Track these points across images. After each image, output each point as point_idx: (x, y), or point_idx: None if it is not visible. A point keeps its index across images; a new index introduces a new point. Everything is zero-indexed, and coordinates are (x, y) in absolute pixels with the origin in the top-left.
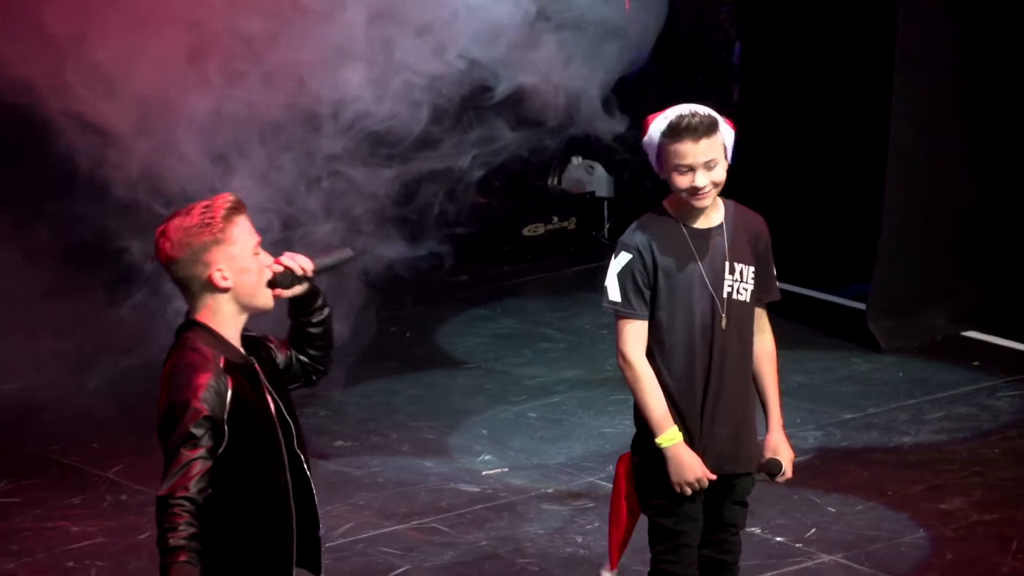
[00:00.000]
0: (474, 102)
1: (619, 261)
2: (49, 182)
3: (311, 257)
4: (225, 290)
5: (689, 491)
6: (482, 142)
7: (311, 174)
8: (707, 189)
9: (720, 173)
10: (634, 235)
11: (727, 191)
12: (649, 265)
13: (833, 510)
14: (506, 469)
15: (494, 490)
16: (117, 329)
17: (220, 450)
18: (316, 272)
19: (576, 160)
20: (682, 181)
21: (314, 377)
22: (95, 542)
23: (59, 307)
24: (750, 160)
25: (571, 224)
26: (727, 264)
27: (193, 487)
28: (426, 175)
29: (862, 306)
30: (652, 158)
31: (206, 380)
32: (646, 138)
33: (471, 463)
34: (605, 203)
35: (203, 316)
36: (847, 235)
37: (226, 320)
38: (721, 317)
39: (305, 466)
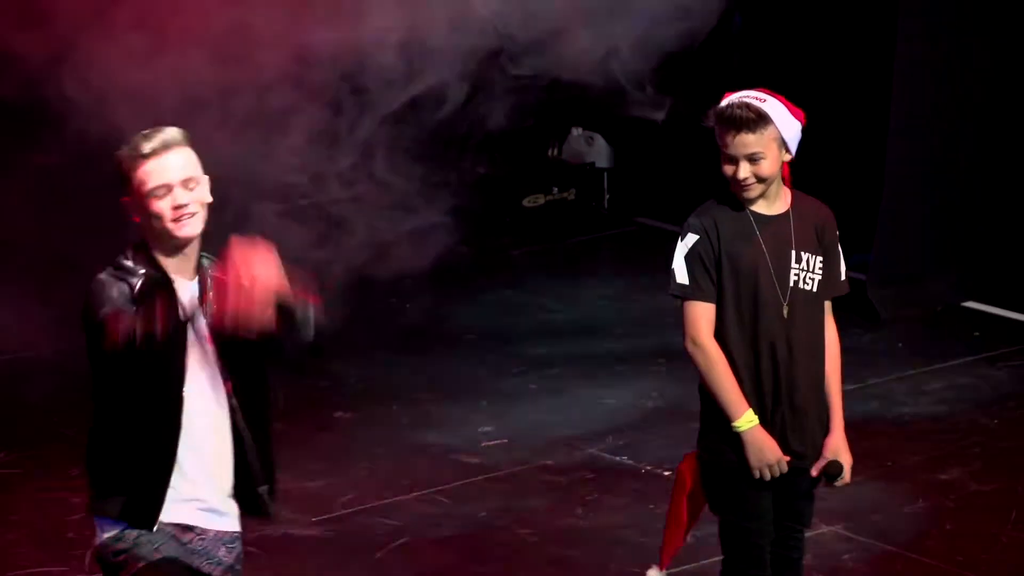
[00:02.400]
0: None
1: (686, 243)
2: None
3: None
4: (137, 220)
5: (768, 475)
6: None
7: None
8: (749, 182)
9: (766, 167)
10: (701, 217)
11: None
12: (716, 247)
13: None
14: (506, 441)
15: (494, 461)
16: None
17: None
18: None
19: (576, 131)
20: (725, 169)
21: (279, 351)
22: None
23: (65, 276)
24: None
25: (571, 195)
26: (793, 252)
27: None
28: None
29: (862, 276)
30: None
31: (114, 291)
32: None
33: (471, 434)
34: (605, 174)
35: (140, 234)
36: (848, 205)
37: (155, 243)
38: (784, 305)
39: (240, 417)
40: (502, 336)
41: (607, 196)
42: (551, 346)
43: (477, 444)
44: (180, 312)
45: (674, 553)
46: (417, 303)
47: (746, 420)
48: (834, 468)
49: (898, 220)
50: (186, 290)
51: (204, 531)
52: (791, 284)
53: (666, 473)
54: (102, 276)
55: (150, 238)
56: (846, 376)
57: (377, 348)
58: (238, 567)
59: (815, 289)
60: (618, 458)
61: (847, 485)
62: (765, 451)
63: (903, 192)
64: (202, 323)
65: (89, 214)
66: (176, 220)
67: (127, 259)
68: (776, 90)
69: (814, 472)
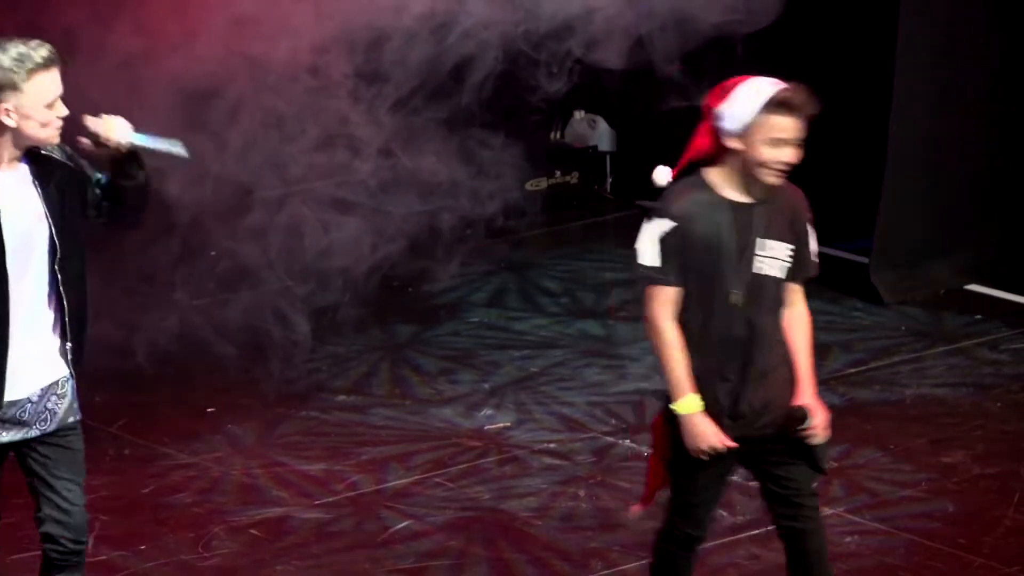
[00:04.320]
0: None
1: (655, 227)
2: None
3: (136, 131)
4: (6, 127)
5: (704, 458)
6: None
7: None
8: (788, 168)
9: (800, 153)
10: (672, 202)
11: None
12: (685, 233)
13: (835, 463)
14: (508, 423)
15: (496, 444)
16: (118, 281)
17: None
18: (131, 147)
19: (579, 114)
20: (772, 154)
21: (117, 222)
22: (99, 496)
23: None
24: None
25: (574, 178)
26: (761, 241)
27: None
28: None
29: (865, 259)
30: (731, 122)
31: None
32: (729, 104)
33: (473, 418)
34: (608, 157)
35: None
36: (851, 188)
37: (2, 148)
38: (742, 292)
39: (60, 287)
40: (505, 319)
41: (610, 179)
42: (553, 328)
43: (480, 427)
44: None
45: (652, 500)
46: (419, 286)
47: (684, 404)
48: (797, 413)
49: (900, 204)
50: (13, 179)
51: (27, 398)
52: (756, 270)
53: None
54: None
55: (4, 141)
56: (850, 360)
57: (379, 332)
58: (72, 411)
59: (780, 275)
60: (620, 441)
61: (824, 441)
62: (698, 437)
63: (905, 176)
64: (36, 202)
65: None
66: (55, 130)
67: None
68: (779, 74)
69: (780, 422)
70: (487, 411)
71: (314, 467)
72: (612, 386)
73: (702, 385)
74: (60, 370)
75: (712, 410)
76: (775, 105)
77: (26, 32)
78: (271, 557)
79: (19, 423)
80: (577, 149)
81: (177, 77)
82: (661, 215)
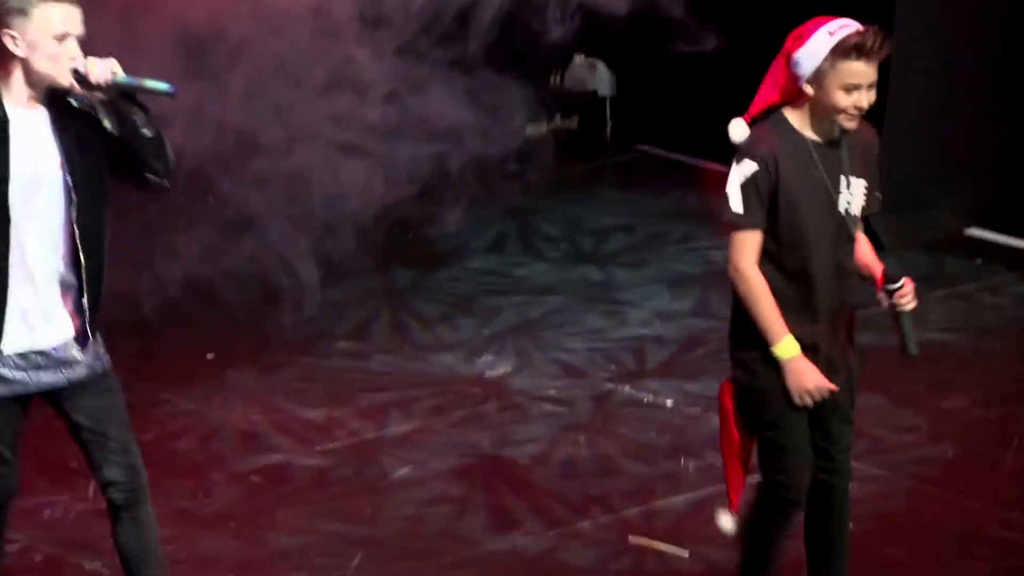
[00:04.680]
0: None
1: (742, 170)
2: None
3: (125, 72)
4: (16, 57)
5: (810, 401)
6: None
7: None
8: (864, 111)
9: (872, 95)
10: (758, 145)
11: None
12: (773, 176)
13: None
14: (508, 370)
15: (496, 391)
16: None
17: None
18: (112, 86)
19: (579, 58)
20: (846, 99)
21: (139, 182)
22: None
23: None
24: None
25: (574, 123)
26: (843, 179)
27: None
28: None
29: None
30: (805, 67)
31: None
32: (805, 48)
33: (473, 364)
34: (607, 102)
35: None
36: None
37: (12, 82)
38: (834, 232)
39: (77, 236)
40: (505, 265)
41: (609, 124)
42: (553, 274)
43: (479, 374)
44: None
45: (741, 491)
46: (418, 232)
47: (784, 347)
48: (890, 272)
49: (900, 148)
50: (29, 121)
51: (42, 351)
52: (842, 211)
53: (668, 403)
54: None
55: (11, 74)
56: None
57: (378, 277)
58: (99, 361)
59: (857, 212)
60: (619, 387)
61: (912, 308)
62: (804, 378)
63: (905, 120)
64: (52, 148)
65: None
66: (65, 68)
67: None
68: (779, 15)
69: (879, 287)
70: (487, 357)
71: (314, 413)
72: (612, 332)
73: (794, 328)
74: (77, 324)
75: (807, 353)
76: (847, 50)
77: None
78: (271, 504)
79: (46, 368)
80: (577, 94)
81: (177, 22)
82: (745, 158)
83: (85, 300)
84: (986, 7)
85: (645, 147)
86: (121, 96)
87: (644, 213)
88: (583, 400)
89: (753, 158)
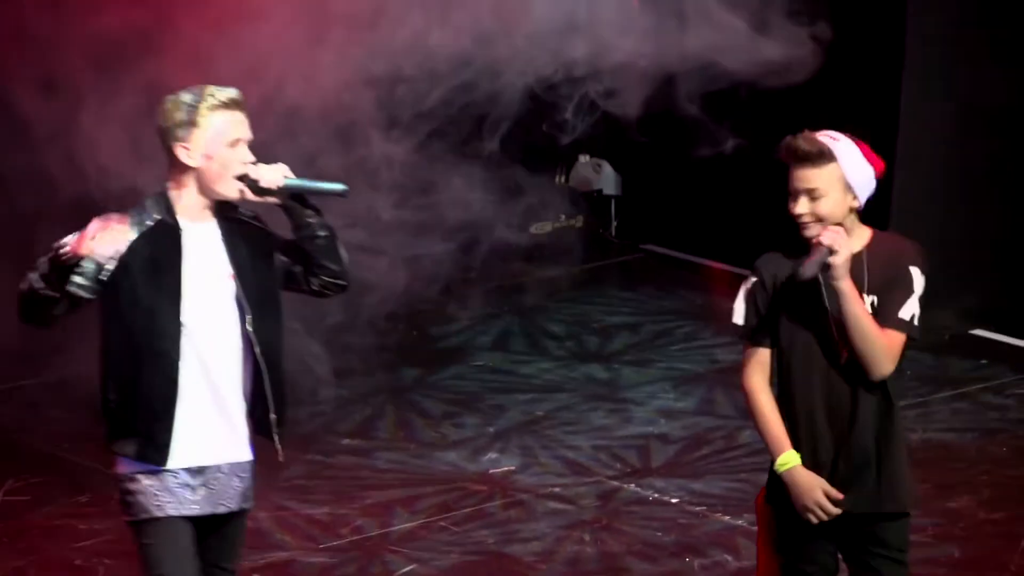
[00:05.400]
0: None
1: (746, 285)
2: None
3: (296, 175)
4: (189, 168)
5: (813, 518)
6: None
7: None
8: (805, 219)
9: (825, 207)
10: (764, 259)
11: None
12: (770, 290)
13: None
14: (513, 467)
15: (501, 488)
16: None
17: (102, 285)
18: (284, 189)
19: (584, 158)
20: (790, 204)
21: (316, 288)
22: (103, 540)
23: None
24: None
25: (578, 222)
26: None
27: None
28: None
29: None
30: None
31: (119, 223)
32: None
33: (478, 461)
34: (612, 201)
35: (171, 186)
36: None
37: (186, 194)
38: (842, 352)
39: (256, 348)
40: (509, 363)
41: (614, 223)
42: (558, 372)
43: (484, 471)
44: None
45: None
46: (423, 329)
47: (782, 461)
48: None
49: None
50: (201, 233)
51: (218, 467)
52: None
53: (673, 501)
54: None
55: (186, 186)
56: None
57: (383, 374)
58: (250, 495)
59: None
60: (625, 485)
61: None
62: (804, 493)
63: (909, 221)
64: (223, 259)
65: None
66: (238, 175)
67: (146, 200)
68: (779, 118)
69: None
70: (492, 455)
71: (319, 511)
72: (617, 430)
73: (803, 450)
74: (247, 452)
75: (814, 468)
76: (783, 151)
77: None
78: None
79: (210, 493)
80: (582, 193)
81: None
82: (751, 272)
83: (273, 418)
84: (990, 111)
85: (650, 246)
86: (292, 199)
87: (649, 312)
88: (588, 498)
89: (755, 272)
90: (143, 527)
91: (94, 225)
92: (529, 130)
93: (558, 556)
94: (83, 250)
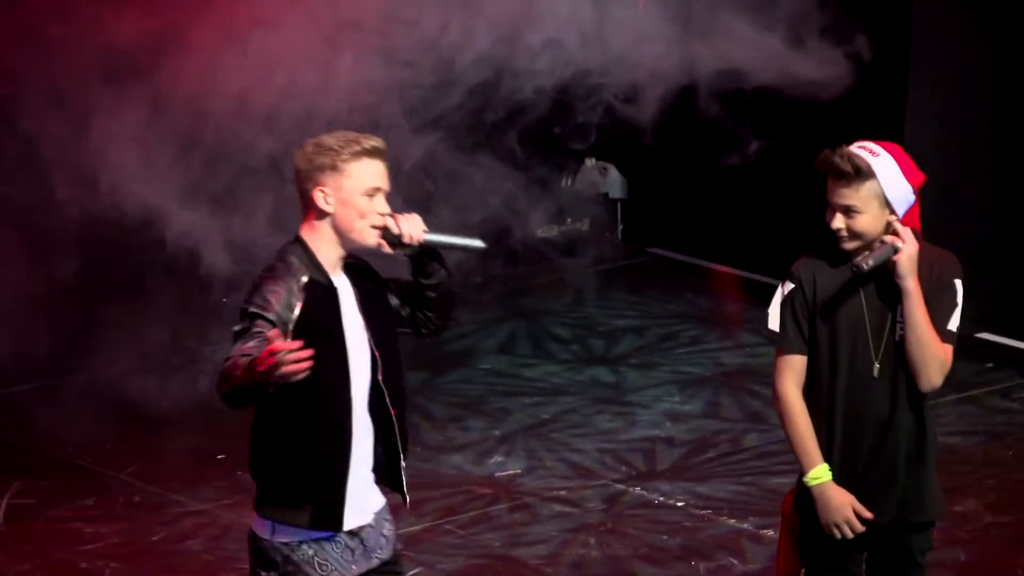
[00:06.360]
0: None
1: (782, 290)
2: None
3: (429, 229)
4: (325, 214)
5: (839, 534)
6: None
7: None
8: (842, 234)
9: (861, 223)
10: (801, 264)
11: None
12: (809, 298)
13: None
14: (519, 471)
15: (507, 492)
16: (140, 330)
17: None
18: (422, 244)
19: (590, 161)
20: (827, 216)
21: (423, 331)
22: (109, 543)
23: (78, 306)
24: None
25: (585, 225)
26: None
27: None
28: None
29: None
30: None
31: (279, 289)
32: None
33: (484, 464)
34: (619, 205)
35: (305, 231)
36: None
37: (323, 242)
38: (876, 363)
39: (387, 399)
40: (515, 366)
41: (620, 227)
42: (564, 376)
43: (490, 474)
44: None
45: None
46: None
47: (813, 476)
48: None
49: None
50: (344, 286)
51: (368, 523)
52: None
53: (679, 504)
54: (267, 272)
55: (322, 233)
56: None
57: None
58: (394, 538)
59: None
60: (631, 488)
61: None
62: (831, 508)
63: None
64: (356, 310)
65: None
66: (373, 226)
67: (290, 255)
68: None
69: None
70: (498, 458)
71: None
72: (623, 433)
73: (834, 460)
74: (381, 496)
75: (844, 483)
76: (820, 165)
77: None
78: None
79: (365, 550)
80: (588, 196)
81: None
82: (786, 277)
83: (403, 466)
84: (996, 116)
85: (656, 250)
86: (424, 251)
87: (655, 315)
88: (594, 501)
89: (792, 278)
90: None
91: (277, 344)
92: (538, 134)
93: (564, 559)
94: (276, 376)
